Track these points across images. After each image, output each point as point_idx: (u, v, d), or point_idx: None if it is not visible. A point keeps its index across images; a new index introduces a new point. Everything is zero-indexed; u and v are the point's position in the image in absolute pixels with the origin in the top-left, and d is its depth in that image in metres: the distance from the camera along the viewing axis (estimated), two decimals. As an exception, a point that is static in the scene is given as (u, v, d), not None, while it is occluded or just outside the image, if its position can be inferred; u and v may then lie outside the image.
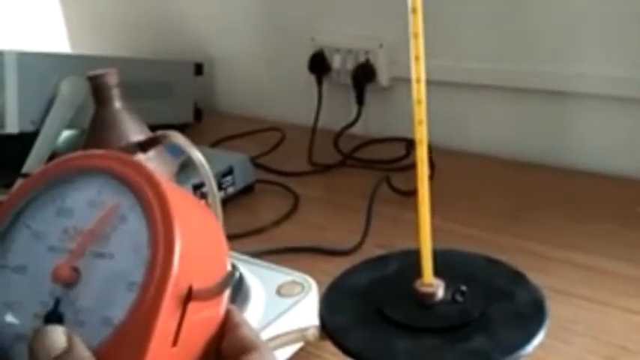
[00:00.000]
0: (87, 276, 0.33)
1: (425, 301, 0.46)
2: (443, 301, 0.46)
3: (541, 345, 0.43)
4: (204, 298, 0.34)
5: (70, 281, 0.33)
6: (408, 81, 0.46)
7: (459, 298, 0.46)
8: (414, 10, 0.42)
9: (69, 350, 0.30)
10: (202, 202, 0.41)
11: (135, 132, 0.70)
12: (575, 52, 0.97)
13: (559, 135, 1.01)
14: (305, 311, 0.62)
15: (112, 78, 0.69)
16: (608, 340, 0.62)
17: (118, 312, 0.32)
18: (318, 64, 1.21)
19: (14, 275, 0.35)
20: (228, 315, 0.37)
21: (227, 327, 0.37)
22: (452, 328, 0.44)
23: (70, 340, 0.30)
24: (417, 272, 0.47)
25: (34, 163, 0.97)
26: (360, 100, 1.17)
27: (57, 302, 0.33)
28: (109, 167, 0.36)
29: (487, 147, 1.07)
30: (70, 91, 1.03)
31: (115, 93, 0.70)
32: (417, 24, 0.42)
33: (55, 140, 1.02)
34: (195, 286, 0.33)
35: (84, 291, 0.33)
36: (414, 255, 0.47)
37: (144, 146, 0.56)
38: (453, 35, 1.06)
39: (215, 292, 0.34)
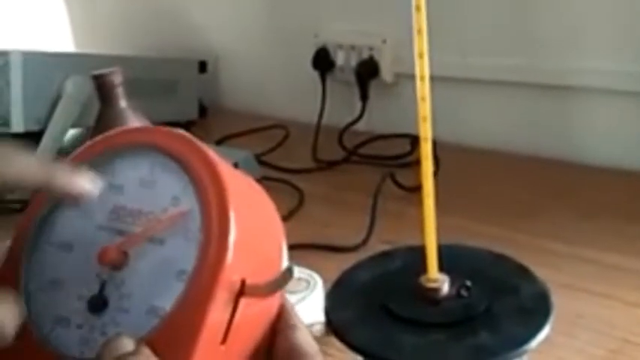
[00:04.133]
0: (135, 260, 0.31)
1: (430, 296, 0.47)
2: (448, 297, 0.47)
3: (547, 339, 0.43)
4: (258, 294, 0.31)
5: (117, 264, 0.31)
6: (412, 77, 0.46)
7: (464, 293, 0.46)
8: (418, 8, 0.42)
9: (136, 352, 0.28)
10: (262, 189, 0.37)
11: (140, 130, 0.71)
12: (581, 47, 0.97)
13: (566, 130, 1.01)
14: (311, 307, 0.62)
15: (117, 77, 0.69)
16: (613, 333, 0.62)
17: (166, 302, 0.29)
18: (322, 61, 1.21)
19: (59, 252, 0.33)
20: (281, 313, 0.34)
21: (279, 327, 0.34)
22: (457, 323, 0.44)
23: (138, 345, 0.28)
24: (422, 268, 0.47)
25: (39, 162, 0.97)
26: (364, 97, 1.17)
27: (102, 285, 0.31)
28: (162, 144, 0.33)
29: (493, 143, 1.07)
30: (75, 90, 1.03)
31: (120, 91, 0.70)
32: (420, 21, 0.42)
33: (60, 139, 1.03)
34: (249, 281, 0.30)
35: (130, 276, 0.31)
36: (419, 251, 0.47)
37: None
38: (458, 30, 1.06)
39: (269, 290, 0.31)
